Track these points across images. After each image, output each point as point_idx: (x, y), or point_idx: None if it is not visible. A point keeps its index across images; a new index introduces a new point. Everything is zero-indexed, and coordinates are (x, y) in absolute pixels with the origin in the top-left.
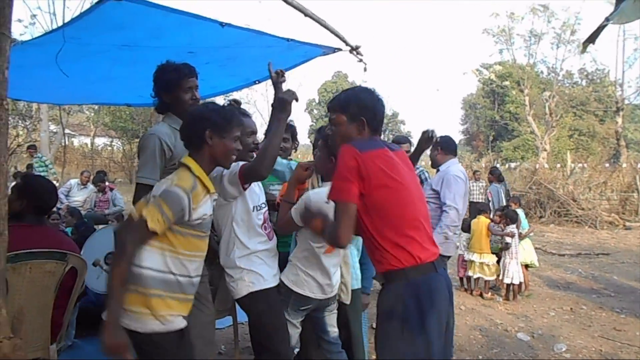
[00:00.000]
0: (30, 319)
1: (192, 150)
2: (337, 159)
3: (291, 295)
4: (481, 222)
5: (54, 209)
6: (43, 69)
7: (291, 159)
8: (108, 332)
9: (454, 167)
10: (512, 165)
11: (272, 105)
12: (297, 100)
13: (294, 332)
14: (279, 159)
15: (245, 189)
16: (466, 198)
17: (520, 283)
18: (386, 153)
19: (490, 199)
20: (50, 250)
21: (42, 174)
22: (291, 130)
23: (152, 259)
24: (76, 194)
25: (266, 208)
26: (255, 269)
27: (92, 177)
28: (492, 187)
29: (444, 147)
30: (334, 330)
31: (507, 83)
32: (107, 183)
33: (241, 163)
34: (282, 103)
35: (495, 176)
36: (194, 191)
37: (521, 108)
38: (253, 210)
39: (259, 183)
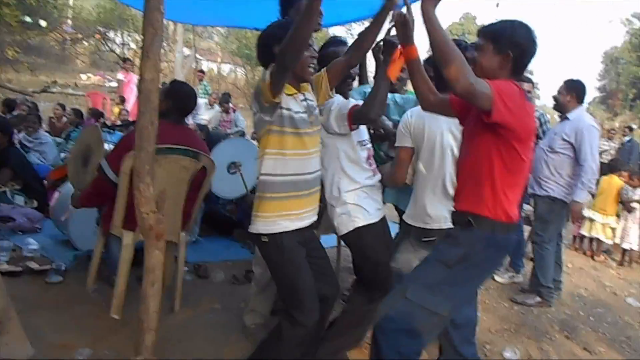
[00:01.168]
0: (167, 205)
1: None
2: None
3: (411, 228)
4: (613, 182)
5: None
6: None
7: (407, 90)
8: None
9: (587, 116)
10: None
11: (382, 47)
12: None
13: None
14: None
15: (352, 130)
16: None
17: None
18: (532, 108)
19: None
20: (187, 149)
21: (204, 99)
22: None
23: (267, 165)
24: (203, 113)
25: (370, 145)
26: (361, 203)
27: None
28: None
29: (578, 93)
30: None
31: None
32: (230, 105)
33: (352, 103)
34: (386, 45)
35: None
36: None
37: None
38: (357, 145)
39: None
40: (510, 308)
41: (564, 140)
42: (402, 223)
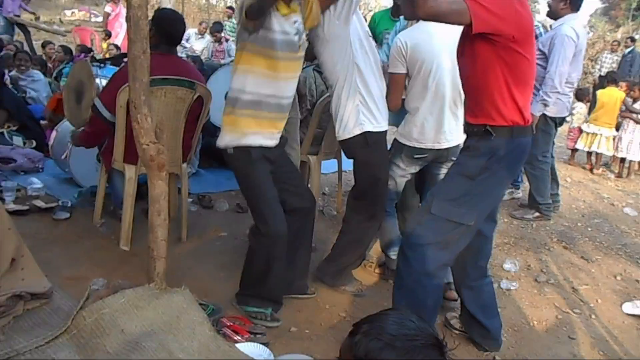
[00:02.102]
0: (166, 137)
1: None
2: None
3: (403, 147)
4: (613, 94)
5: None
6: None
7: None
8: None
9: (566, 26)
10: None
11: None
12: None
13: (402, 181)
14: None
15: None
16: (578, 60)
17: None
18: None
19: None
20: (181, 79)
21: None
22: None
23: (237, 81)
24: (194, 43)
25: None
26: (371, 107)
27: (208, 29)
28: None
29: (572, 0)
30: None
31: None
32: (223, 34)
33: None
34: None
35: None
36: None
37: None
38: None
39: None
40: (509, 223)
41: (539, 49)
42: (394, 141)
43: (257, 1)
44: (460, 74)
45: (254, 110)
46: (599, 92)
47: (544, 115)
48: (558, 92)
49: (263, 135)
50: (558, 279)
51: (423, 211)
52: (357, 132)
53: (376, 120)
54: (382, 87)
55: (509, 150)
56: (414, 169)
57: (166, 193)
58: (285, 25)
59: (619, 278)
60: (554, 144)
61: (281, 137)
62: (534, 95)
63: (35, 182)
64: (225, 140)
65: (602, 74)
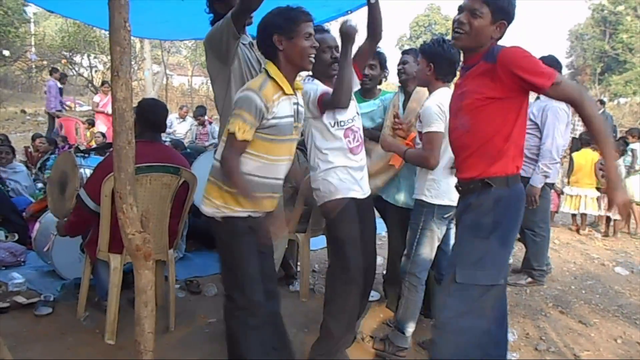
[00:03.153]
0: (152, 224)
1: (270, 58)
2: (513, 52)
3: (434, 207)
4: (588, 156)
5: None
6: (148, 2)
7: (381, 89)
8: (239, 184)
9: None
10: (622, 100)
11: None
12: (356, 31)
13: (436, 247)
14: (370, 101)
15: (322, 114)
16: (567, 128)
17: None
18: None
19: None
20: (166, 165)
21: (174, 114)
22: (379, 57)
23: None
24: (177, 127)
25: (354, 123)
26: (340, 178)
27: (190, 112)
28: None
29: (556, 69)
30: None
31: (621, 8)
32: (206, 117)
33: (321, 89)
34: (343, 35)
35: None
36: (262, 90)
37: (636, 37)
38: (335, 126)
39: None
40: None
41: (531, 120)
42: (420, 207)
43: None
44: (455, 133)
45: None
46: (574, 155)
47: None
48: (557, 163)
49: (253, 211)
50: (558, 346)
51: (448, 283)
52: (326, 199)
53: (346, 188)
54: (351, 154)
55: (510, 200)
56: (443, 230)
57: (153, 283)
58: (284, 106)
59: (619, 341)
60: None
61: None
62: (530, 166)
63: (17, 277)
64: (211, 211)
65: (576, 136)
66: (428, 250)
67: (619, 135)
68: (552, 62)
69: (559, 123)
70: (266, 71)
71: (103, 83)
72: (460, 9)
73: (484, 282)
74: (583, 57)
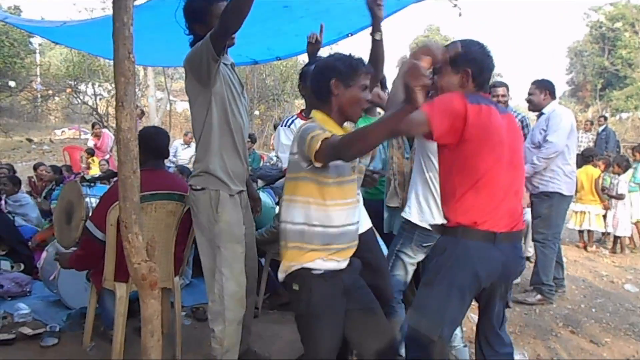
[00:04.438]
0: (157, 252)
1: (321, 102)
2: (440, 96)
3: (415, 231)
4: (589, 173)
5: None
6: (152, 32)
7: (380, 111)
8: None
9: (559, 107)
10: (624, 116)
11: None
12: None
13: (410, 270)
14: (369, 118)
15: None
16: (572, 142)
17: (630, 237)
18: (492, 111)
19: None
20: (171, 192)
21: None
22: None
23: (291, 213)
24: (181, 153)
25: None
26: None
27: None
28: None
29: (551, 89)
30: None
31: (619, 25)
32: None
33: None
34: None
35: None
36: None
37: (635, 52)
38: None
39: None
40: (512, 310)
41: (543, 132)
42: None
43: (333, 149)
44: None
45: (322, 244)
46: (577, 172)
47: (559, 193)
48: (548, 160)
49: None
50: None
51: (407, 318)
52: None
53: None
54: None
55: (454, 251)
56: (419, 257)
57: (159, 312)
58: None
59: None
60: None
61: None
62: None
63: (22, 308)
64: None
65: (579, 152)
66: (402, 274)
67: (622, 150)
68: (552, 84)
69: (562, 121)
70: (311, 118)
71: (93, 125)
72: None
73: (424, 331)
74: (583, 73)
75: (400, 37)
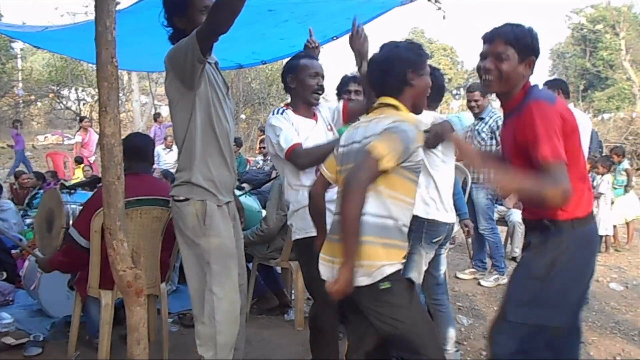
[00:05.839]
0: (143, 259)
1: (392, 94)
2: (534, 116)
3: (423, 227)
4: None
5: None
6: (135, 36)
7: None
8: (347, 273)
9: (576, 110)
10: (606, 116)
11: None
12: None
13: (422, 270)
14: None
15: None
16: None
17: (614, 235)
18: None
19: None
20: (156, 198)
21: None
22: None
23: (370, 203)
24: (164, 157)
25: None
26: (301, 216)
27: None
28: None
29: (564, 89)
30: (443, 270)
31: (600, 27)
32: None
33: (294, 142)
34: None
35: None
36: (417, 129)
37: (616, 54)
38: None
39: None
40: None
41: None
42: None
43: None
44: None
45: (403, 240)
46: None
47: None
48: None
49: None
50: None
51: (499, 319)
52: (296, 237)
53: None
54: None
55: (572, 243)
56: (431, 255)
57: (145, 320)
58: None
59: (618, 359)
60: None
61: None
62: None
63: (5, 317)
64: (382, 272)
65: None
66: (416, 275)
67: (605, 151)
68: (558, 82)
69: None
70: (395, 107)
71: (82, 119)
72: (484, 55)
73: (536, 321)
74: (565, 74)
75: (384, 40)
